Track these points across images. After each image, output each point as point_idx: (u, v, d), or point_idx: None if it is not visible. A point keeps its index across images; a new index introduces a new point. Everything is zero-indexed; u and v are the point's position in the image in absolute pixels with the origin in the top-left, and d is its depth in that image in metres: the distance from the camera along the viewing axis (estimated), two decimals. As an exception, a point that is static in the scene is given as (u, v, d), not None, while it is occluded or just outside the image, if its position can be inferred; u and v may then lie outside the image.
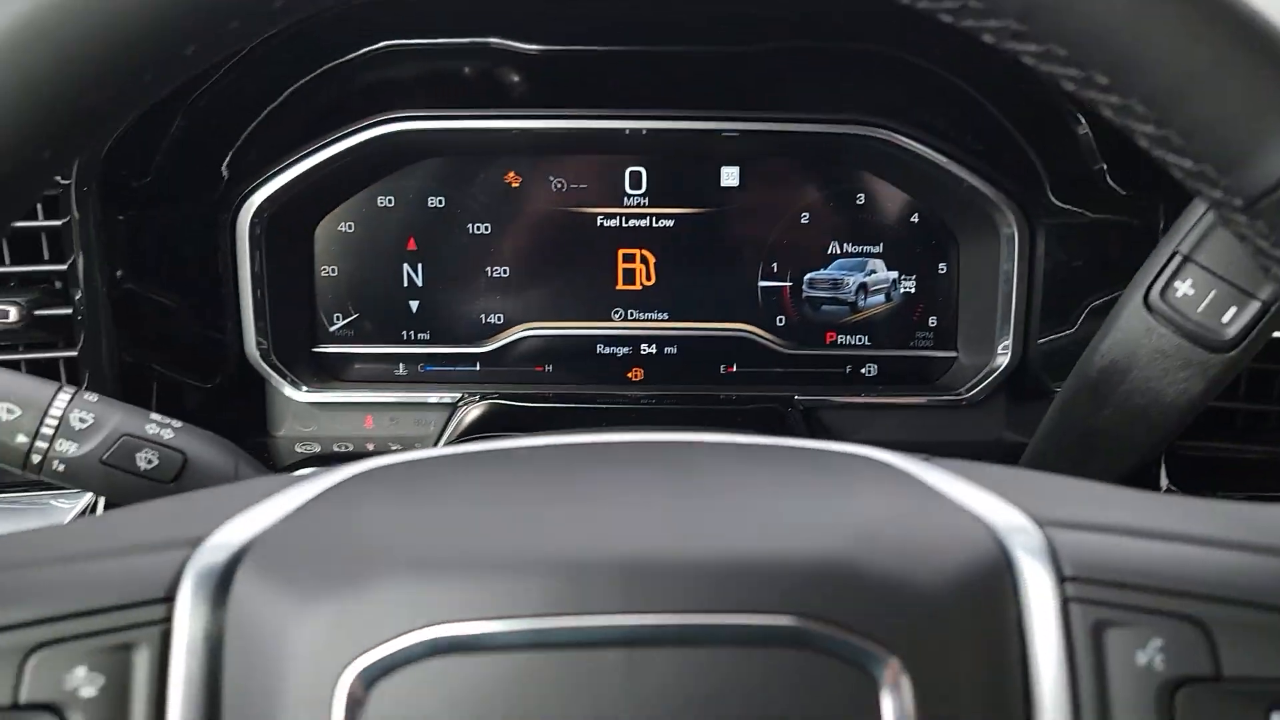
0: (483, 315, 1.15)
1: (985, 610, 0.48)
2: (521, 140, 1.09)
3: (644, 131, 1.08)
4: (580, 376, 1.16)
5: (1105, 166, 1.05)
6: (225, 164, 1.05)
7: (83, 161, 0.93)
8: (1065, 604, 0.48)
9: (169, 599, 0.47)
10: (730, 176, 1.12)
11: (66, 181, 0.92)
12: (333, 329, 1.15)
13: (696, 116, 1.07)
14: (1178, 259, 0.78)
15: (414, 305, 1.14)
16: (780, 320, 1.15)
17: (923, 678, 0.46)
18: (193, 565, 0.48)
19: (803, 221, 1.13)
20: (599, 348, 1.15)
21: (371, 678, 0.45)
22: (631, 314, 1.15)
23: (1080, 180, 1.07)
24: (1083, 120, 1.04)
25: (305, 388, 1.12)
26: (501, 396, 1.13)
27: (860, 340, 1.16)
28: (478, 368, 1.15)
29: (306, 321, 1.14)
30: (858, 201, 1.13)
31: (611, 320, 1.15)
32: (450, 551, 0.48)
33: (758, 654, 0.46)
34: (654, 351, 1.15)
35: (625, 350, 1.15)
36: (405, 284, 1.14)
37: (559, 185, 1.12)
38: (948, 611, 0.47)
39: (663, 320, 1.15)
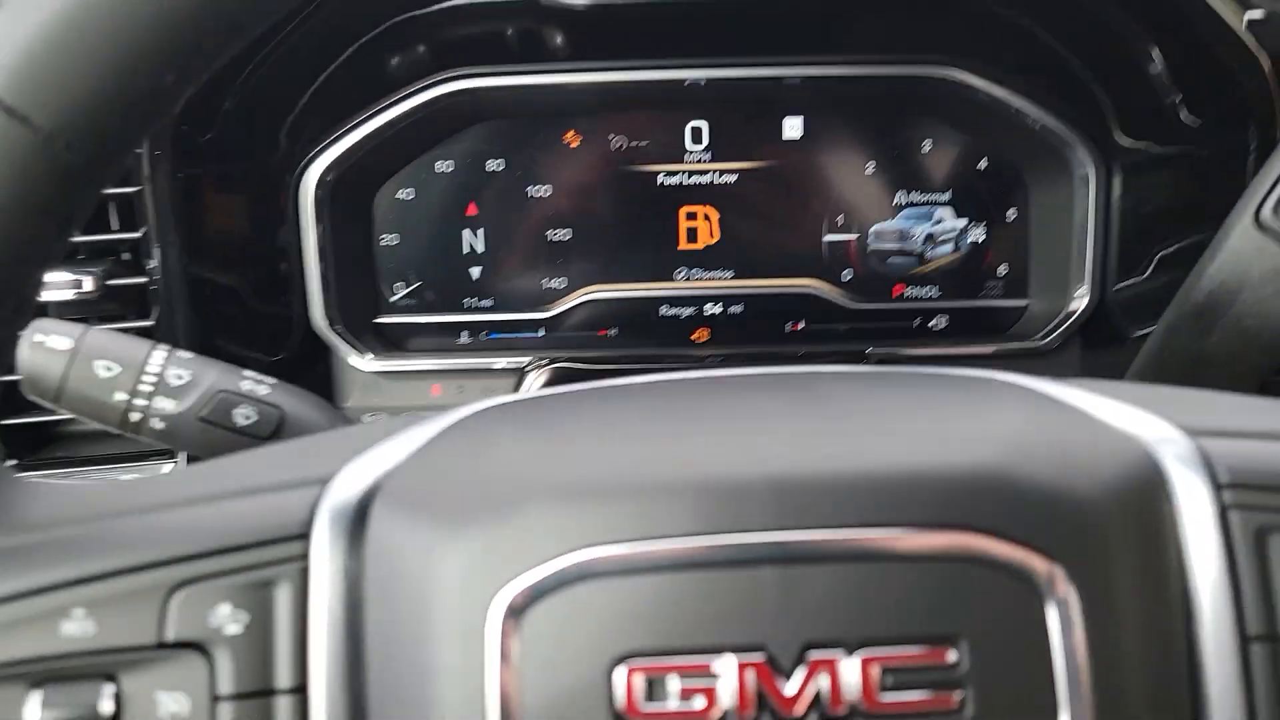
0: (545, 280, 1.13)
1: (1143, 519, 0.47)
2: (579, 97, 1.07)
3: (703, 82, 1.06)
4: (644, 339, 1.14)
5: (1179, 98, 1.02)
6: (285, 129, 1.04)
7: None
8: (1224, 512, 0.47)
9: (305, 536, 0.47)
10: (793, 128, 1.10)
11: (138, 150, 0.91)
12: (394, 299, 1.13)
13: (757, 63, 1.05)
14: (1290, 175, 0.76)
15: (475, 272, 1.13)
16: (847, 274, 1.13)
17: (1086, 587, 0.44)
18: (325, 503, 0.48)
19: (868, 172, 1.11)
20: (663, 309, 1.14)
21: (523, 603, 0.44)
22: (695, 273, 1.13)
23: (1152, 114, 1.04)
24: (1155, 51, 1.01)
25: (371, 356, 1.10)
26: (567, 361, 1.11)
27: (929, 292, 1.14)
28: (541, 334, 1.14)
29: (369, 292, 1.12)
30: (924, 149, 1.11)
31: (675, 281, 1.13)
32: (596, 475, 0.47)
33: (917, 569, 0.44)
34: (719, 311, 1.14)
35: (689, 311, 1.13)
36: (466, 250, 1.12)
37: (619, 144, 1.10)
38: (1107, 521, 0.46)
39: (727, 279, 1.13)
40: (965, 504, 0.45)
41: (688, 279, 1.13)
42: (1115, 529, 0.46)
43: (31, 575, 0.46)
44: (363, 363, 1.10)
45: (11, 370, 0.49)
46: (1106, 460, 0.48)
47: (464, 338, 1.14)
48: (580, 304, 1.13)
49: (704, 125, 1.10)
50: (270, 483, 0.50)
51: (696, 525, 0.45)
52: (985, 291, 1.14)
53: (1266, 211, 0.76)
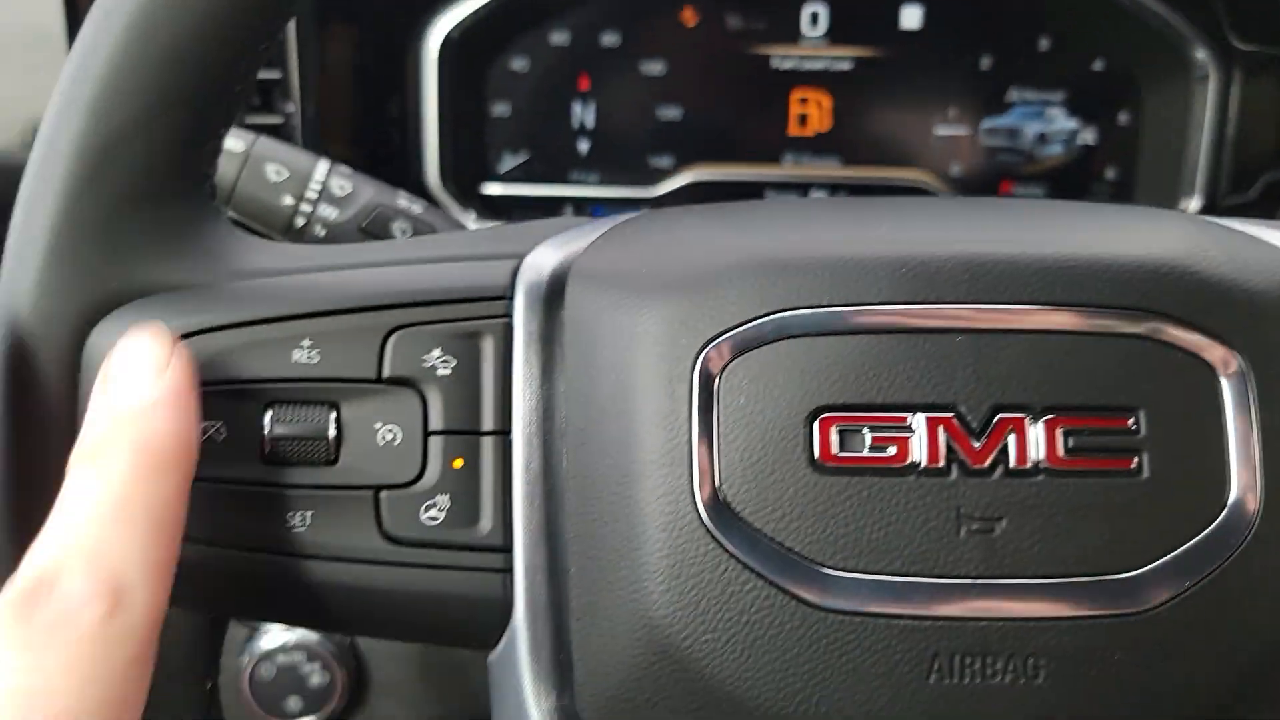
0: (652, 158, 1.14)
1: None
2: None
3: (825, -35, 1.06)
4: (748, 224, 1.14)
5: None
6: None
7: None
8: None
9: (507, 298, 0.50)
10: (911, 18, 1.10)
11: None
12: (502, 170, 1.14)
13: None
14: None
15: (584, 146, 1.14)
16: (955, 168, 1.13)
17: (1260, 370, 0.46)
18: (523, 274, 0.51)
19: (983, 67, 1.11)
20: (769, 194, 1.14)
21: (727, 357, 0.46)
22: (804, 159, 1.13)
23: (1266, 15, 1.03)
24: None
25: (477, 221, 1.12)
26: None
27: (1036, 191, 1.14)
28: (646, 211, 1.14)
29: (477, 160, 1.13)
30: (1040, 47, 1.10)
31: (783, 165, 1.13)
32: (795, 248, 0.48)
33: (1101, 345, 0.46)
34: (825, 196, 1.14)
35: (796, 195, 1.14)
36: (576, 125, 1.13)
37: (734, 24, 1.10)
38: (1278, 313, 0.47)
39: (835, 166, 1.13)
40: (1148, 288, 0.47)
41: (796, 164, 1.13)
42: None
43: (264, 307, 0.49)
44: (474, 227, 1.12)
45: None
46: (1277, 261, 0.49)
47: (569, 211, 1.15)
48: (686, 185, 1.13)
49: (822, 9, 1.10)
50: (470, 253, 0.53)
51: (894, 294, 0.46)
52: (1092, 194, 1.14)
53: None
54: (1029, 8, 1.09)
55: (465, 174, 1.13)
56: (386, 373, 0.48)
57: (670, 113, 1.12)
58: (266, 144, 0.72)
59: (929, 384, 0.46)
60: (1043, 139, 1.12)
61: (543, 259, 0.52)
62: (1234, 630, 0.45)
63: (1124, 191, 1.14)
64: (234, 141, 0.71)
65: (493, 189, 1.15)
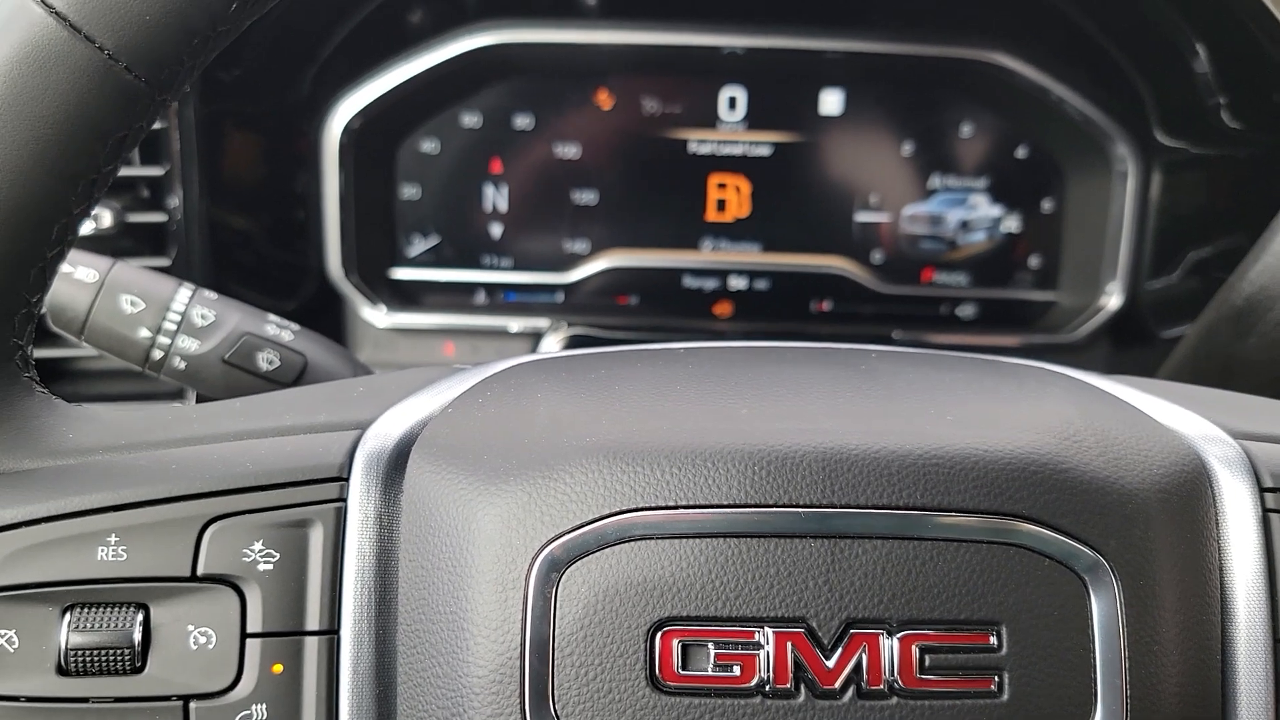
0: (567, 243, 1.10)
1: (1187, 517, 0.46)
2: (613, 57, 1.05)
3: (741, 50, 1.03)
4: (666, 309, 1.11)
5: (1224, 100, 1.00)
6: (313, 72, 1.01)
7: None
8: (1265, 515, 0.47)
9: (342, 479, 0.46)
10: (831, 104, 1.07)
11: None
12: (412, 254, 1.11)
13: (798, 34, 1.02)
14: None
15: (496, 230, 1.10)
16: (877, 256, 1.11)
17: (1129, 580, 0.44)
18: (364, 448, 0.47)
19: (904, 153, 1.09)
20: (686, 280, 1.11)
21: (564, 560, 0.43)
22: (722, 245, 1.10)
23: (1194, 114, 1.02)
24: (1202, 51, 0.99)
25: (385, 309, 1.08)
26: (585, 327, 1.09)
27: (959, 279, 1.12)
28: (560, 298, 1.11)
29: (386, 244, 1.10)
30: (962, 134, 1.08)
31: (701, 251, 1.11)
32: (644, 437, 0.45)
33: (963, 551, 0.43)
34: (744, 286, 1.11)
35: (714, 284, 1.11)
36: (488, 208, 1.10)
37: (651, 108, 1.07)
38: (1152, 516, 0.45)
39: (754, 252, 1.10)
40: (1015, 490, 0.44)
41: (714, 250, 1.10)
42: (1160, 524, 0.45)
43: (68, 499, 0.45)
44: (376, 316, 1.08)
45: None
46: (1154, 456, 0.47)
47: (480, 297, 1.12)
48: (602, 270, 1.10)
49: (740, 94, 1.07)
50: (308, 424, 0.49)
51: (744, 495, 0.43)
52: (1015, 282, 1.12)
53: (1311, 217, 0.74)
54: (952, 95, 1.07)
55: (373, 258, 1.09)
56: (201, 570, 0.45)
57: (585, 197, 1.09)
58: (123, 272, 0.67)
59: (779, 595, 0.43)
60: (965, 226, 1.10)
61: (388, 428, 0.48)
62: None
63: (1047, 278, 1.12)
64: (87, 270, 0.67)
65: (402, 273, 1.11)
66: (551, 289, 1.11)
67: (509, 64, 1.05)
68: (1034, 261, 1.12)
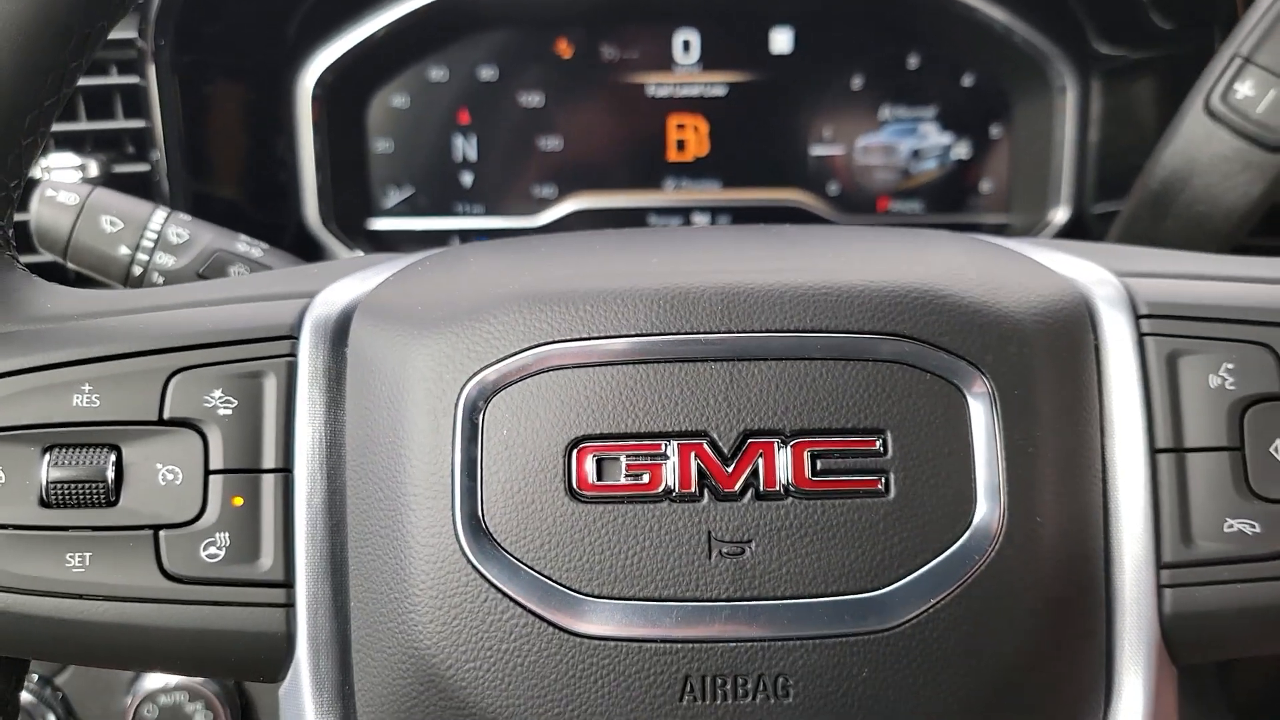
0: (535, 188, 1.15)
1: (1064, 339, 0.50)
2: (570, 6, 1.09)
3: (694, -10, 1.08)
4: (633, 249, 1.16)
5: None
6: (295, 24, 1.05)
7: (159, 16, 0.94)
8: (1141, 339, 0.51)
9: (293, 337, 0.51)
10: (781, 43, 1.12)
11: (144, 45, 0.93)
12: (387, 205, 1.16)
13: (748, -27, 1.07)
14: (1237, 62, 0.78)
15: (467, 179, 1.15)
16: (833, 188, 1.15)
17: (1006, 392, 0.48)
18: (312, 311, 0.53)
19: (854, 87, 1.13)
20: (651, 219, 1.16)
21: (489, 389, 0.47)
22: (684, 183, 1.15)
23: (1125, 19, 1.05)
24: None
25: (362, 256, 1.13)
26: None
27: (913, 206, 1.16)
28: (532, 242, 1.16)
29: (362, 197, 1.15)
30: (910, 65, 1.13)
31: (664, 191, 1.15)
32: (560, 284, 0.50)
33: (853, 367, 0.47)
34: (706, 222, 1.16)
35: (678, 221, 1.15)
36: (459, 158, 1.14)
37: (609, 54, 1.12)
38: (1029, 335, 0.49)
39: (715, 190, 1.15)
40: (898, 313, 0.48)
41: (676, 189, 1.15)
42: (1037, 343, 0.49)
43: (46, 354, 0.50)
44: (353, 263, 1.13)
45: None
46: (1033, 287, 0.51)
47: (455, 243, 1.17)
48: (570, 213, 1.15)
49: (694, 37, 1.12)
50: (262, 294, 0.55)
51: (650, 325, 0.48)
52: (968, 207, 1.16)
53: (1215, 99, 0.78)
54: (897, 28, 1.12)
55: (350, 211, 1.14)
56: (167, 414, 0.50)
57: (551, 143, 1.14)
58: (102, 195, 0.73)
59: (682, 412, 0.47)
60: (917, 155, 1.15)
61: (334, 296, 0.54)
62: (980, 645, 0.46)
63: (998, 203, 1.16)
64: (68, 195, 0.72)
65: (379, 224, 1.16)
66: (522, 233, 1.16)
67: (471, 16, 1.10)
68: (985, 186, 1.16)
